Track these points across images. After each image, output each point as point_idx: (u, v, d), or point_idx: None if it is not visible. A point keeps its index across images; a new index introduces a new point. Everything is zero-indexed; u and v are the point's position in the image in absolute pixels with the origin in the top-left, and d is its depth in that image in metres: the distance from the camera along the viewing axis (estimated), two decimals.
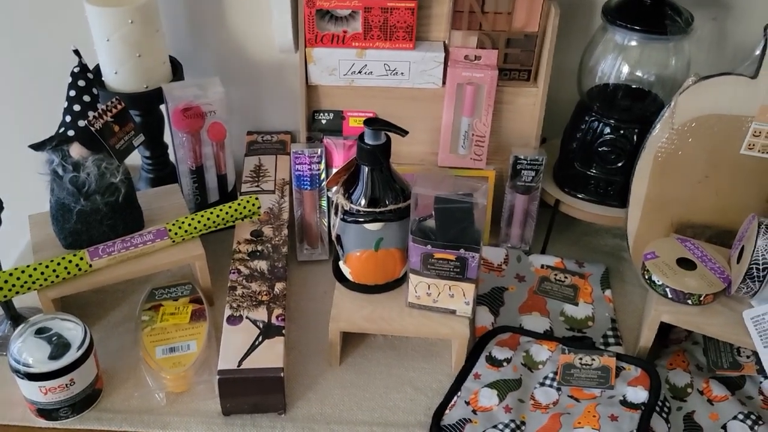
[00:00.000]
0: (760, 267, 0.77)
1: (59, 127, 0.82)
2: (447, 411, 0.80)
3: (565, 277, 0.98)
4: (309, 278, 0.98)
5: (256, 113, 1.14)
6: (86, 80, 0.82)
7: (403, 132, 0.77)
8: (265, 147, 1.10)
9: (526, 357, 0.85)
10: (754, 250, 0.77)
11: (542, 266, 0.99)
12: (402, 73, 0.95)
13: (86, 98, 0.82)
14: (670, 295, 0.82)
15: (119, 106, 0.84)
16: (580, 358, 0.83)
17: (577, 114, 0.97)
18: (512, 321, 0.92)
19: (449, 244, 0.78)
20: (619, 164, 0.94)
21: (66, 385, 0.76)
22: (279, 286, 0.88)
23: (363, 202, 0.80)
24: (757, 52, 0.81)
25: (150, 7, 0.92)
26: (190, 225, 0.88)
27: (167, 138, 1.03)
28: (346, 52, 0.94)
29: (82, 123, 0.81)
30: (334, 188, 0.82)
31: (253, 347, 0.80)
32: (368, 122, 0.77)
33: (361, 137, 0.78)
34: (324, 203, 0.97)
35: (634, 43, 0.91)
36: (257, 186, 1.03)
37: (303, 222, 0.98)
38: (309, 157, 0.94)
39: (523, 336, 0.88)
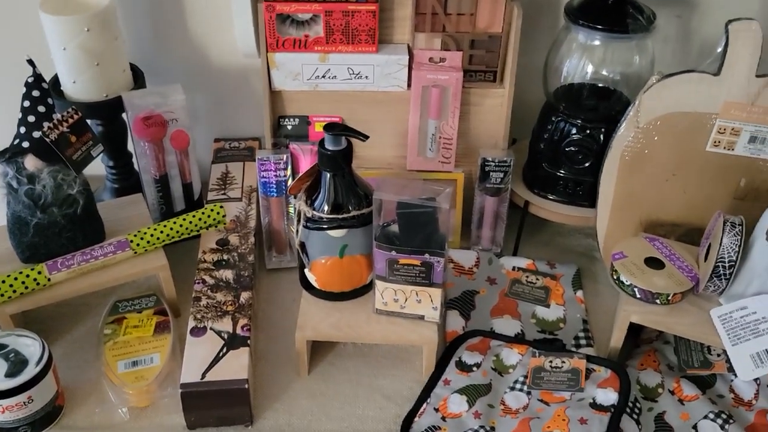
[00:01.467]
0: (726, 265, 0.77)
1: (14, 139, 0.80)
2: (416, 419, 0.79)
3: (537, 279, 0.97)
4: (279, 286, 0.97)
5: (222, 120, 1.13)
6: (41, 90, 0.80)
7: (363, 137, 0.76)
8: (232, 154, 1.09)
9: (496, 361, 0.84)
10: (719, 248, 0.77)
11: (514, 268, 0.98)
12: (366, 77, 0.94)
13: (41, 109, 0.80)
14: (638, 295, 0.81)
15: (76, 116, 0.82)
16: (551, 361, 0.82)
17: (544, 114, 0.97)
18: (483, 324, 0.91)
19: (414, 250, 0.77)
20: (587, 164, 0.94)
21: (24, 402, 0.74)
22: (245, 296, 0.87)
23: (326, 208, 0.79)
24: (719, 49, 0.81)
25: (107, 14, 0.90)
26: (152, 236, 0.87)
27: (131, 147, 1.02)
28: (309, 57, 0.92)
29: (37, 134, 0.79)
30: (297, 195, 0.81)
31: (217, 359, 0.79)
32: (328, 127, 0.76)
33: (321, 143, 0.77)
34: (292, 210, 0.96)
35: (597, 42, 0.91)
36: (224, 194, 1.01)
37: (271, 229, 0.97)
38: (275, 164, 0.93)
39: (494, 340, 0.87)
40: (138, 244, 0.86)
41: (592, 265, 1.01)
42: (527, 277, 0.97)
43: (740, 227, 0.77)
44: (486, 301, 0.94)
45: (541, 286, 0.96)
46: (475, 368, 0.83)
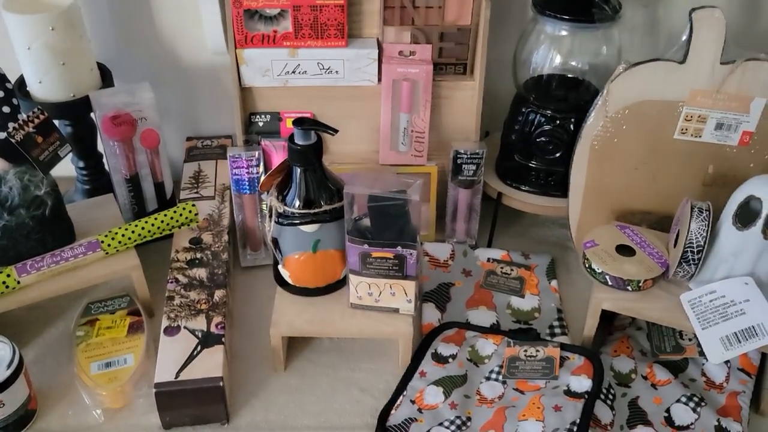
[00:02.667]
0: (695, 250, 0.78)
1: None
2: (393, 411, 0.79)
3: (512, 270, 0.97)
4: (254, 284, 0.97)
5: (194, 118, 1.12)
6: (5, 90, 0.79)
7: (332, 131, 0.76)
8: (205, 152, 1.08)
9: (472, 352, 0.85)
10: (687, 234, 0.78)
11: (488, 260, 0.99)
12: (336, 72, 0.93)
13: (5, 109, 0.79)
14: (610, 283, 0.82)
15: (42, 116, 0.81)
16: (525, 350, 0.83)
17: (515, 106, 0.97)
18: (459, 316, 0.91)
19: (386, 243, 0.77)
20: (558, 154, 0.94)
21: None
22: (219, 294, 0.86)
23: (297, 203, 0.79)
24: (684, 37, 0.81)
25: (72, 12, 0.89)
26: (123, 236, 0.86)
27: (101, 147, 1.00)
28: (278, 52, 0.92)
29: (1, 135, 0.78)
30: (269, 191, 0.81)
31: (191, 357, 0.79)
32: (297, 122, 0.76)
33: (291, 138, 0.77)
34: (265, 207, 0.96)
35: (564, 33, 0.91)
36: (196, 192, 1.01)
37: (244, 227, 0.97)
38: (246, 161, 0.92)
39: (469, 331, 0.88)
40: (109, 245, 0.85)
41: (566, 254, 1.02)
42: (502, 268, 0.98)
43: (707, 213, 0.78)
44: (461, 293, 0.94)
45: (515, 277, 0.96)
46: (450, 359, 0.84)
